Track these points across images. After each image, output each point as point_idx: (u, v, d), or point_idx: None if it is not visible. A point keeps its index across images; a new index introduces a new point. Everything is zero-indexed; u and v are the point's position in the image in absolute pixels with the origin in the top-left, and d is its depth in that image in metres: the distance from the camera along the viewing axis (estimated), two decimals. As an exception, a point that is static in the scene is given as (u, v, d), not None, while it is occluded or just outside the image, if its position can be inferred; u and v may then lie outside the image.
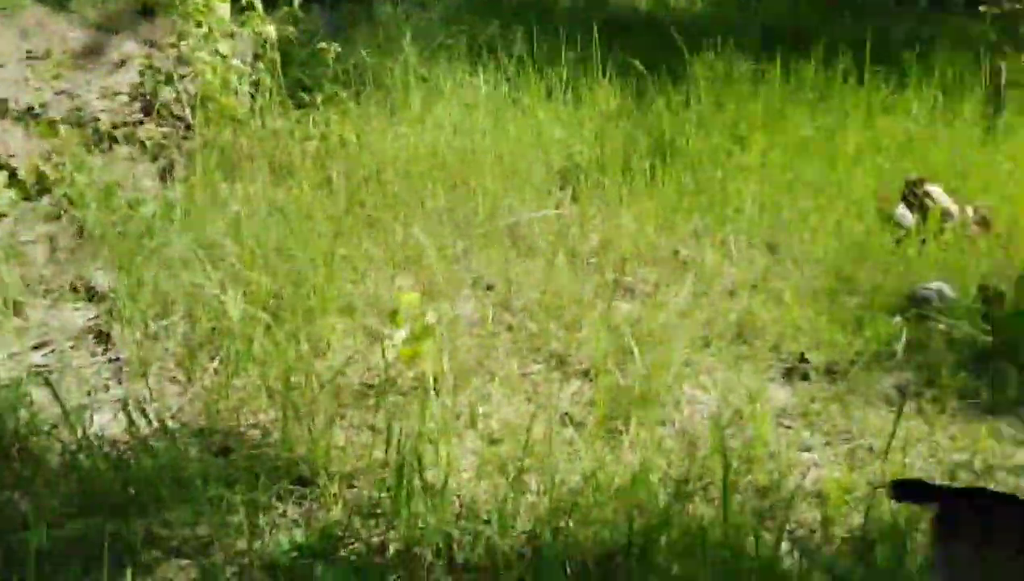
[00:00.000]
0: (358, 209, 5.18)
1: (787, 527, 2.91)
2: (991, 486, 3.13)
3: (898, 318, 4.32)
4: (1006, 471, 3.25)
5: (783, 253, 4.94)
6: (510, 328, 4.16)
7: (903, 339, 3.91)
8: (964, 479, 3.19)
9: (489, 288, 4.54)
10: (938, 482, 3.03)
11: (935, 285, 4.43)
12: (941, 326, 4.16)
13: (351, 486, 2.89)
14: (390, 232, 4.86)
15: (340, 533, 2.64)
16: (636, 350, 3.66)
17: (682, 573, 2.51)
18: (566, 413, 3.49)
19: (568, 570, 2.58)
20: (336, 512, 2.72)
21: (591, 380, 3.73)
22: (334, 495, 2.79)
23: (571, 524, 2.75)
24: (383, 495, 2.72)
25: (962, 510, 2.06)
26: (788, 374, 3.92)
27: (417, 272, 4.54)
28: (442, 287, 4.36)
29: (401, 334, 3.42)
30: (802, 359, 3.96)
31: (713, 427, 3.24)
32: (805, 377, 3.86)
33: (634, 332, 4.12)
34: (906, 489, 2.31)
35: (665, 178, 5.58)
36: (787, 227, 5.13)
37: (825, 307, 4.35)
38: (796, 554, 2.77)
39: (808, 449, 3.38)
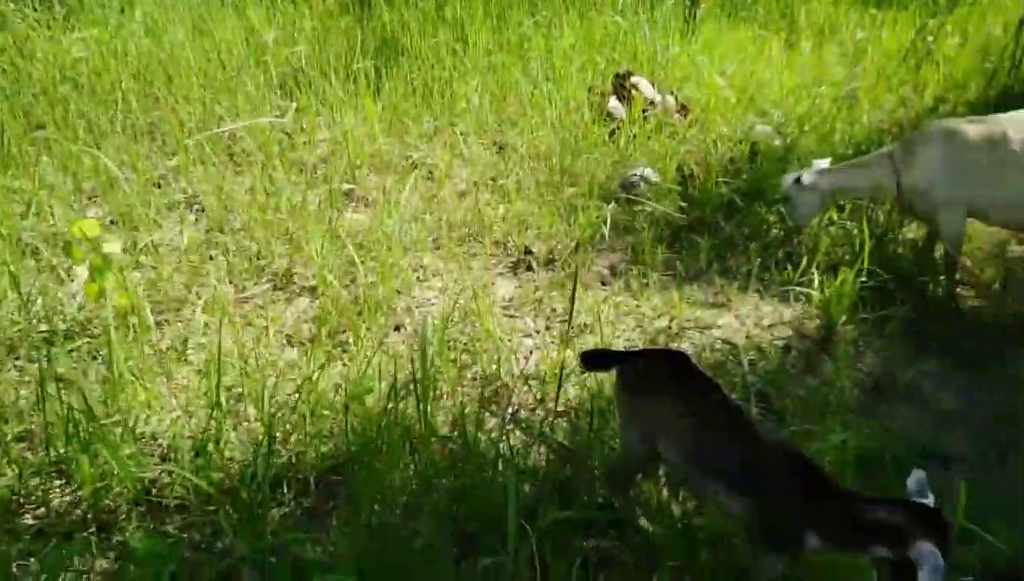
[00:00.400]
0: (32, 132, 4.43)
1: (510, 409, 3.07)
2: (681, 345, 3.54)
3: (613, 205, 4.65)
4: (697, 330, 3.67)
5: (509, 150, 5.04)
6: (226, 250, 3.85)
7: (608, 223, 4.19)
8: (662, 342, 3.56)
9: (201, 209, 4.15)
10: (620, 348, 3.35)
11: (641, 170, 4.79)
12: (647, 208, 4.54)
13: (28, 446, 2.53)
14: (74, 156, 4.21)
15: (15, 496, 2.31)
16: (358, 260, 3.56)
17: (402, 476, 2.54)
18: (288, 335, 3.34)
19: (289, 489, 2.50)
20: (8, 477, 2.37)
21: (318, 297, 3.59)
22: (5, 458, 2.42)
23: (291, 442, 2.65)
24: (66, 450, 2.41)
25: (633, 367, 2.36)
26: (514, 267, 4.06)
27: (111, 200, 4.00)
28: (142, 213, 3.89)
29: (83, 269, 3.00)
30: (527, 251, 4.11)
31: (440, 326, 3.27)
32: (529, 268, 4.03)
33: (364, 241, 4.03)
34: (592, 359, 2.51)
35: (391, 80, 5.40)
36: (512, 124, 5.23)
37: (547, 200, 4.54)
38: (518, 433, 2.93)
39: (530, 335, 3.56)
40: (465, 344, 3.36)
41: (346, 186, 4.64)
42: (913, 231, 4.27)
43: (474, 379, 3.22)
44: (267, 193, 4.19)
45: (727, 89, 5.60)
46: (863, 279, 3.58)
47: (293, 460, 2.62)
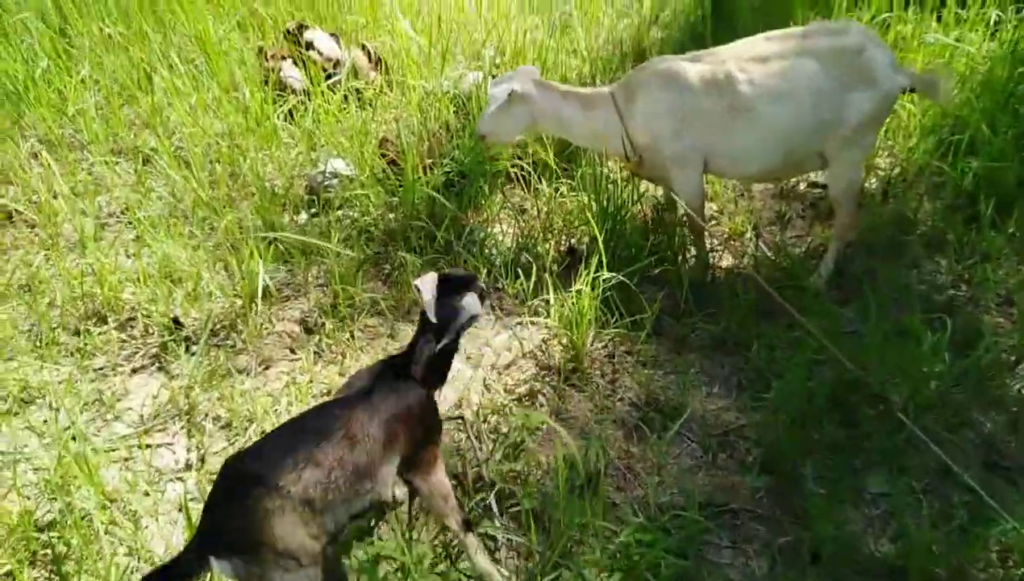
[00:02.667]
0: None
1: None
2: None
3: (303, 217, 3.56)
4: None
5: (155, 162, 3.72)
6: None
7: (291, 256, 3.13)
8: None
9: None
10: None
11: (332, 165, 3.71)
12: (344, 217, 3.51)
13: None
14: None
15: None
16: None
17: None
18: None
19: None
20: None
21: None
22: None
23: None
24: None
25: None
26: (157, 356, 2.88)
27: None
28: None
29: None
30: (176, 324, 2.95)
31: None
32: (188, 347, 2.87)
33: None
34: None
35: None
36: (146, 125, 3.88)
37: (205, 232, 3.35)
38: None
39: (172, 478, 2.47)
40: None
41: None
42: (651, 196, 3.64)
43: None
44: None
45: (422, 34, 4.59)
46: (605, 276, 2.87)
47: None
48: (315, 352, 2.86)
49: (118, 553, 2.16)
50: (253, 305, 2.94)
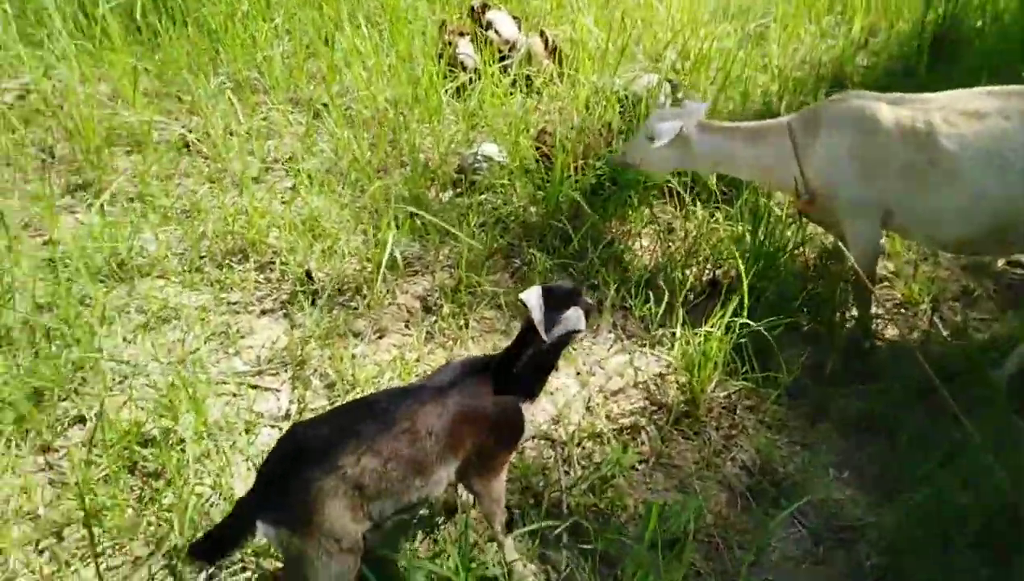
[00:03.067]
0: None
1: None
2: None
3: (448, 195, 3.56)
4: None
5: (324, 118, 3.85)
6: None
7: (428, 230, 3.11)
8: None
9: None
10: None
11: (484, 149, 3.67)
12: (488, 202, 3.47)
13: None
14: None
15: None
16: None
17: None
18: None
19: None
20: None
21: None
22: None
23: None
24: None
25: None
26: (287, 302, 2.97)
27: None
28: None
29: None
30: (307, 277, 3.02)
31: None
32: (314, 301, 2.95)
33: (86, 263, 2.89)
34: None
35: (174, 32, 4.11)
36: (323, 80, 4.01)
37: (355, 194, 3.42)
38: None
39: (271, 422, 2.53)
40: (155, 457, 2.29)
41: (74, 178, 3.44)
42: (819, 241, 3.31)
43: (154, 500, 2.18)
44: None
45: (602, 28, 4.43)
46: (742, 321, 2.63)
47: None
48: (428, 332, 2.83)
49: (203, 483, 2.24)
50: (380, 273, 2.96)
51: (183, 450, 2.29)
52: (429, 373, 2.02)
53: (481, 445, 1.85)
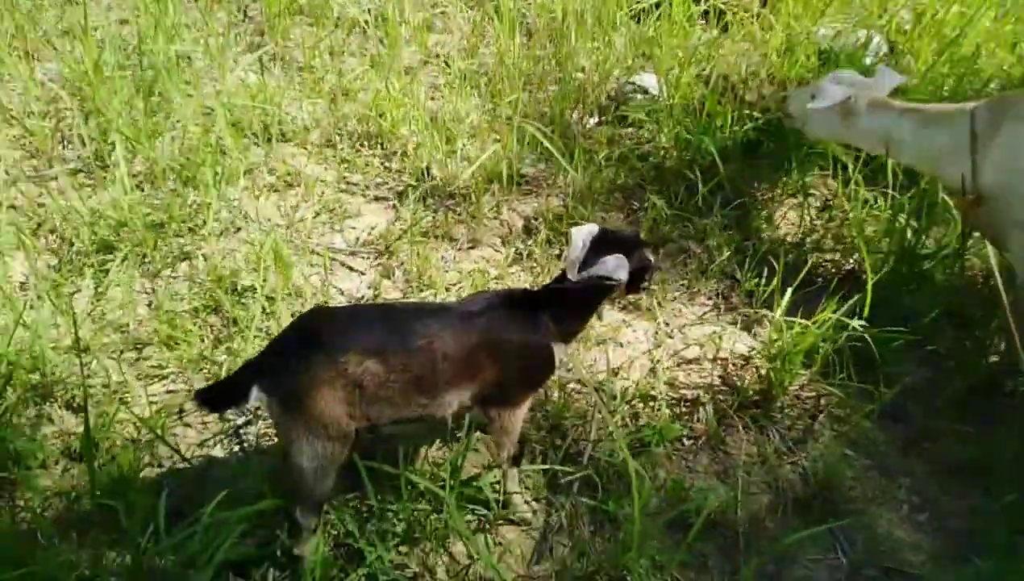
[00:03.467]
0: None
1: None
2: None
3: (592, 121, 3.41)
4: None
5: (488, 17, 3.80)
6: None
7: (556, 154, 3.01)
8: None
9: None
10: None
11: (642, 79, 3.45)
12: (631, 137, 3.28)
13: None
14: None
15: None
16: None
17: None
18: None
19: None
20: None
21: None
22: None
23: None
24: None
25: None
26: (399, 194, 3.04)
27: None
28: None
29: None
30: (425, 174, 3.06)
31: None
32: (425, 198, 2.99)
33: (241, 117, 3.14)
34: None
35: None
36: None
37: (496, 102, 3.37)
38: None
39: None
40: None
41: (256, 40, 3.70)
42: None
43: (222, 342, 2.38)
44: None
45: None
46: (858, 322, 2.32)
47: None
48: (517, 253, 2.79)
49: (270, 337, 2.41)
50: (491, 186, 2.93)
51: (263, 307, 2.48)
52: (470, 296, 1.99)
53: (500, 377, 1.81)
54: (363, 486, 1.82)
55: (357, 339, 1.67)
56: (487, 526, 1.97)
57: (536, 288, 1.93)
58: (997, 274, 2.18)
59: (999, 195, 2.26)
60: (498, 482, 1.99)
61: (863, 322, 2.32)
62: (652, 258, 1.87)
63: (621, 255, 1.75)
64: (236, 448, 2.16)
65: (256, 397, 1.65)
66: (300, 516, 1.74)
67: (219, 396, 1.72)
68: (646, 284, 1.94)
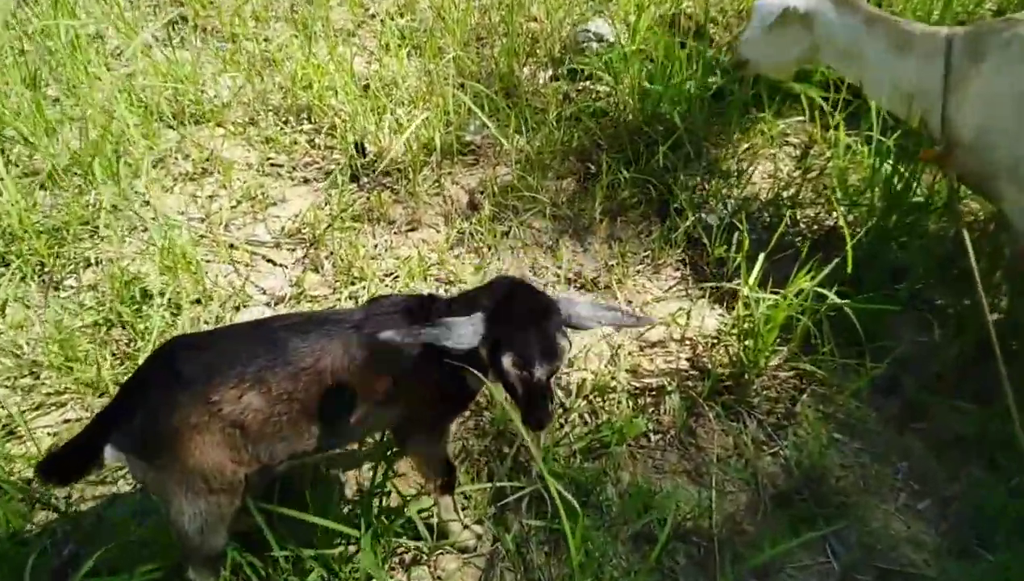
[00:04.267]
0: None
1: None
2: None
3: (547, 76, 3.08)
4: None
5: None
6: None
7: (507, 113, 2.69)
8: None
9: None
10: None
11: (596, 26, 3.12)
12: (590, 88, 2.97)
13: None
14: None
15: None
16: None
17: None
18: None
19: None
20: None
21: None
22: None
23: None
24: None
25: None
26: (329, 173, 2.74)
27: None
28: None
29: None
30: (357, 149, 2.76)
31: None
32: (355, 177, 2.69)
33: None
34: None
35: None
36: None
37: (432, 68, 3.05)
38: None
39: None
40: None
41: (177, 10, 3.35)
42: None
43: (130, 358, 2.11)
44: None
45: None
46: (839, 289, 2.05)
47: None
48: (459, 233, 2.50)
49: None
50: (433, 156, 2.63)
51: (174, 313, 2.21)
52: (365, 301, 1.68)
53: (408, 398, 1.51)
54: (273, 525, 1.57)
55: (229, 369, 1.38)
56: (422, 558, 1.73)
57: (445, 295, 1.63)
58: (967, 241, 1.90)
59: (980, 140, 1.96)
60: (430, 509, 1.73)
61: (844, 288, 2.05)
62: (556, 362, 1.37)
63: (477, 322, 1.35)
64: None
65: (113, 456, 1.38)
66: (193, 575, 1.49)
67: (66, 464, 1.42)
68: (549, 410, 1.37)
